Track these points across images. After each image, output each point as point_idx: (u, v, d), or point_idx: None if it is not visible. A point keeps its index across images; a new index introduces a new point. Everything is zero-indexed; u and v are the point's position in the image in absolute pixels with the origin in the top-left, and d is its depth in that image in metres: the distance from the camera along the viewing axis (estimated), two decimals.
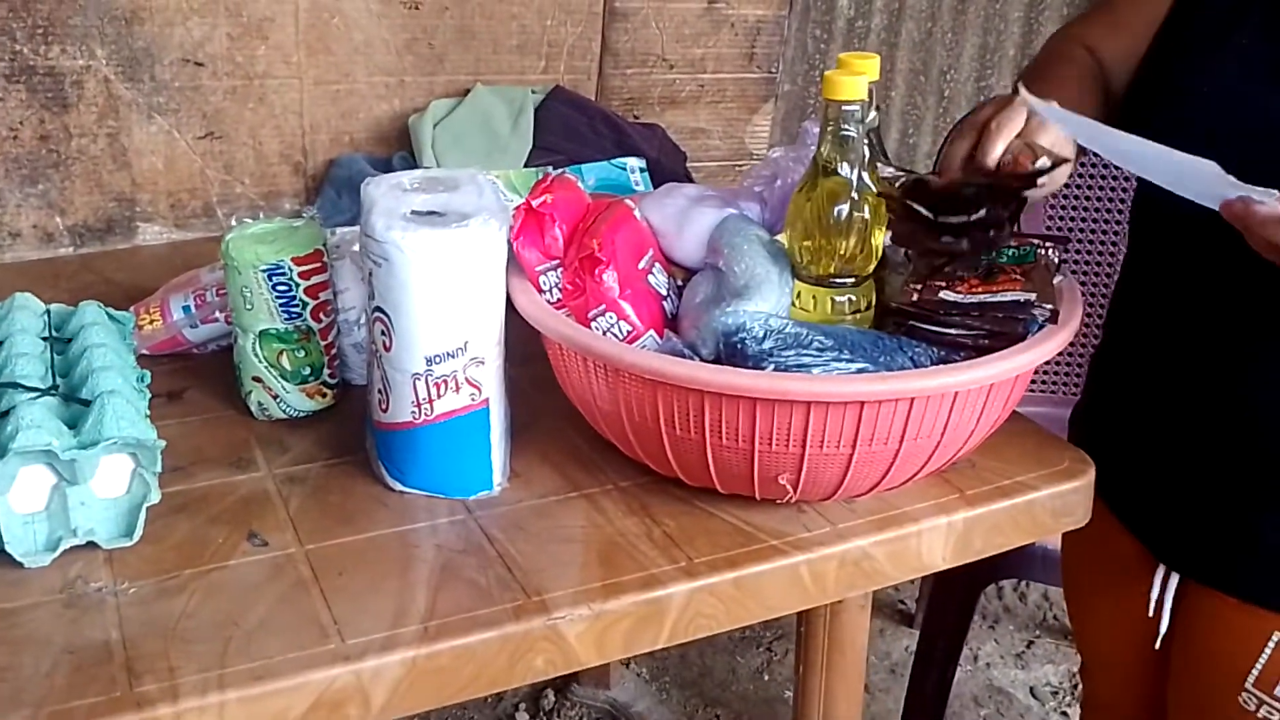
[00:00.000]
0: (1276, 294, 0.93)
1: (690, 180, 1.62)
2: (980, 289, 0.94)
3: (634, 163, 1.49)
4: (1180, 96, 0.98)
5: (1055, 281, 0.97)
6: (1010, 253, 0.98)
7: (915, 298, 0.94)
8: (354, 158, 1.57)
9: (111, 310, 1.06)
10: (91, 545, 0.85)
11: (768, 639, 2.12)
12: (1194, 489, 1.05)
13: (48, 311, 1.04)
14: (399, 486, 0.95)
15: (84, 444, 0.83)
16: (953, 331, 0.91)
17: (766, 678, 2.05)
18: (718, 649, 2.08)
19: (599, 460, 1.00)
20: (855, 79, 0.89)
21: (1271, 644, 1.05)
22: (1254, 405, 0.99)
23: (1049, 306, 0.92)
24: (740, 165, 1.88)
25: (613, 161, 1.48)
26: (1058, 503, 0.99)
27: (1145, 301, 1.11)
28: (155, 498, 0.87)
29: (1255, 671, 1.09)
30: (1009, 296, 0.92)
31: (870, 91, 0.91)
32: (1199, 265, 1.01)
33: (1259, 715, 1.10)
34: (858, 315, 0.95)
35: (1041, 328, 0.91)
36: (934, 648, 1.67)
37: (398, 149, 1.61)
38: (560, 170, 1.23)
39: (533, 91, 1.65)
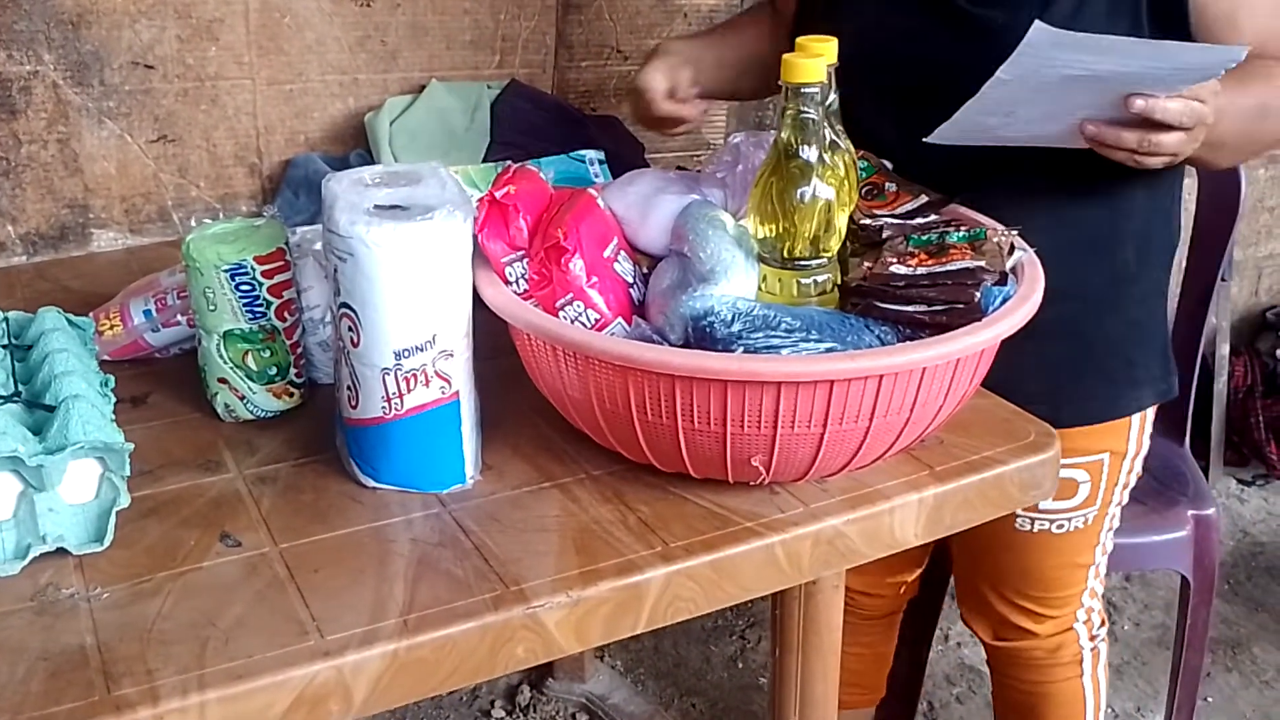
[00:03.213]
0: None
1: None
2: (930, 262, 0.95)
3: (592, 155, 1.49)
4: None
5: (1014, 257, 0.98)
6: (961, 234, 0.99)
7: (865, 274, 0.95)
8: (310, 157, 1.56)
9: (71, 316, 1.05)
10: (61, 551, 0.83)
11: (740, 627, 2.13)
12: None
13: (5, 319, 1.03)
14: (371, 483, 0.94)
15: (50, 449, 0.82)
16: (910, 309, 0.92)
17: (740, 665, 2.06)
18: (691, 638, 2.09)
19: (570, 450, 1.01)
20: (814, 61, 0.90)
21: None
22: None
23: (997, 271, 0.93)
24: (697, 155, 1.89)
25: (571, 154, 1.48)
26: (1025, 475, 1.01)
27: None
28: (125, 502, 0.86)
29: None
30: (957, 265, 0.94)
31: (829, 74, 0.92)
32: None
33: (1034, 531, 1.32)
34: (823, 296, 0.95)
35: (995, 296, 0.93)
36: (907, 629, 1.68)
37: (353, 147, 1.60)
38: (520, 164, 1.23)
39: (488, 86, 1.64)
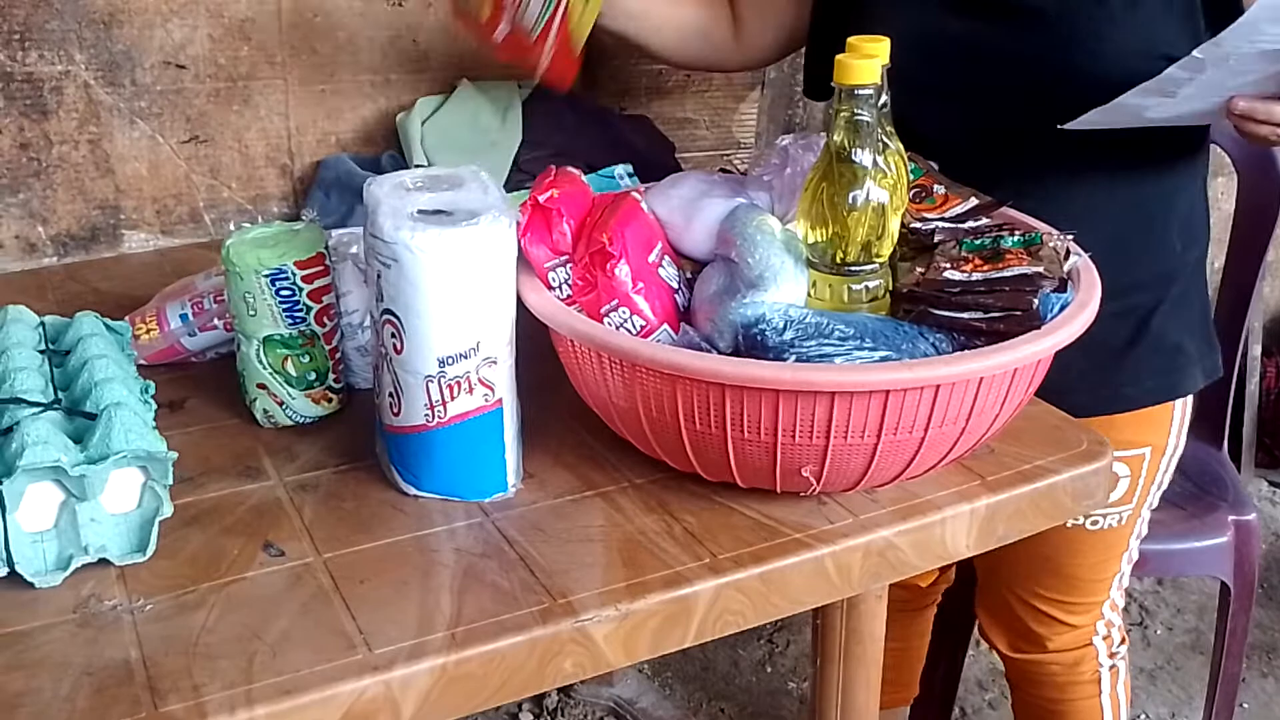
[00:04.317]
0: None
1: (679, 170, 1.61)
2: (985, 267, 0.93)
3: (621, 170, 1.47)
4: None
5: (1070, 262, 0.96)
6: (1016, 239, 0.97)
7: (917, 280, 0.93)
8: (341, 158, 1.55)
9: (109, 320, 1.03)
10: (103, 562, 0.82)
11: (768, 630, 2.11)
12: None
13: (42, 324, 1.02)
14: (413, 491, 0.93)
15: (92, 459, 0.81)
16: (966, 316, 0.90)
17: (769, 670, 2.04)
18: (719, 642, 2.07)
19: (613, 458, 0.99)
20: (868, 62, 0.88)
21: None
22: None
23: (1056, 277, 0.92)
24: (728, 154, 1.87)
25: (600, 173, 1.46)
26: (1078, 485, 0.98)
27: None
28: (168, 511, 0.84)
29: None
30: (1014, 271, 0.92)
31: (883, 75, 0.90)
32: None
33: (1068, 525, 1.27)
34: (875, 302, 0.93)
35: (1054, 303, 0.91)
36: (944, 631, 1.66)
37: (385, 148, 1.59)
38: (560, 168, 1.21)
39: (519, 86, 1.63)
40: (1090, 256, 0.98)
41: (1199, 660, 2.04)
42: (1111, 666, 1.41)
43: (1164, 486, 1.34)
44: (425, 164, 1.51)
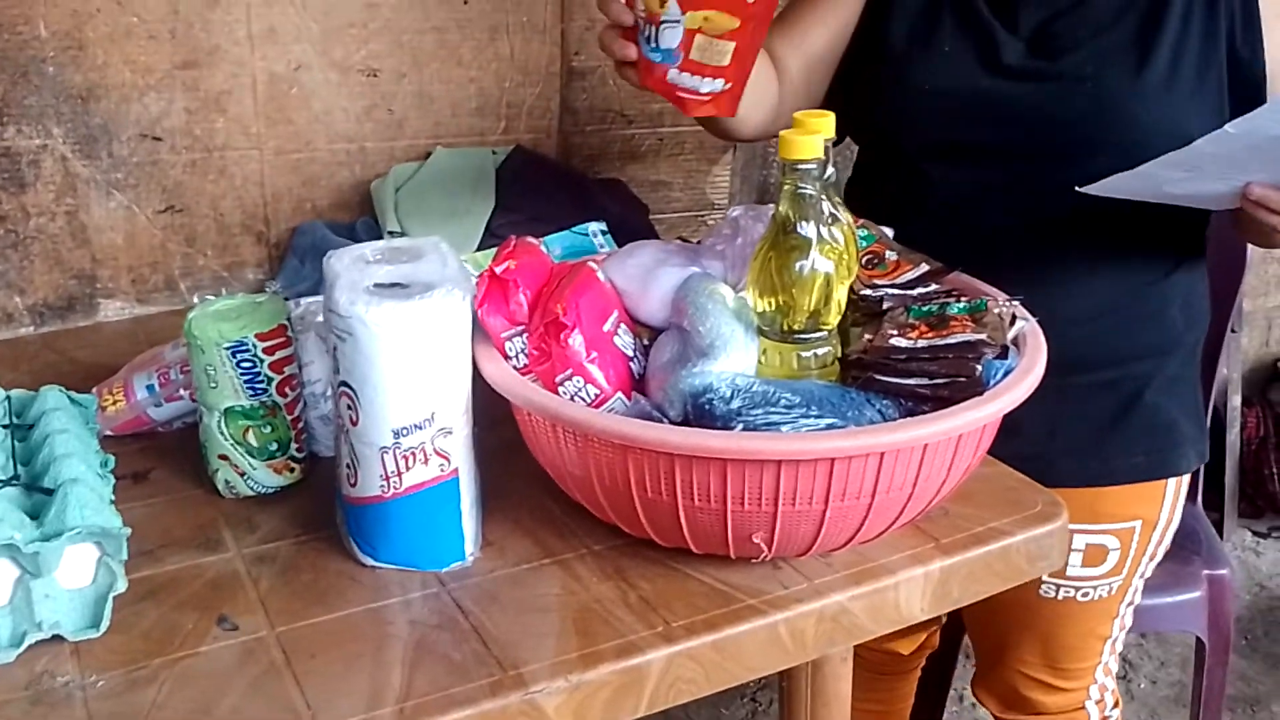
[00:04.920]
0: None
1: (653, 233, 1.63)
2: (930, 334, 0.95)
3: (595, 227, 1.49)
4: (901, 94, 1.10)
5: (1015, 328, 0.98)
6: (961, 305, 0.99)
7: (865, 346, 0.95)
8: (316, 224, 1.57)
9: (73, 394, 1.05)
10: (57, 638, 0.83)
11: (751, 689, 2.11)
12: None
13: (8, 398, 1.03)
14: (370, 561, 0.94)
15: (47, 535, 0.82)
16: (910, 382, 0.91)
17: None
18: (701, 701, 2.05)
19: (571, 524, 1.00)
20: (811, 138, 0.90)
21: None
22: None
23: (999, 344, 0.93)
24: (702, 215, 1.90)
25: (574, 229, 1.48)
26: (1033, 547, 0.99)
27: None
28: (121, 586, 0.85)
29: None
30: (958, 338, 0.93)
31: (827, 149, 0.92)
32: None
33: (1059, 598, 1.30)
34: (824, 369, 0.95)
35: (997, 369, 0.92)
36: (922, 691, 1.66)
37: (360, 215, 1.61)
38: (522, 238, 1.22)
39: (493, 152, 1.66)
40: (1084, 323, 0.98)
41: (1182, 714, 2.03)
42: None
43: (1157, 558, 1.34)
44: (399, 230, 1.53)
